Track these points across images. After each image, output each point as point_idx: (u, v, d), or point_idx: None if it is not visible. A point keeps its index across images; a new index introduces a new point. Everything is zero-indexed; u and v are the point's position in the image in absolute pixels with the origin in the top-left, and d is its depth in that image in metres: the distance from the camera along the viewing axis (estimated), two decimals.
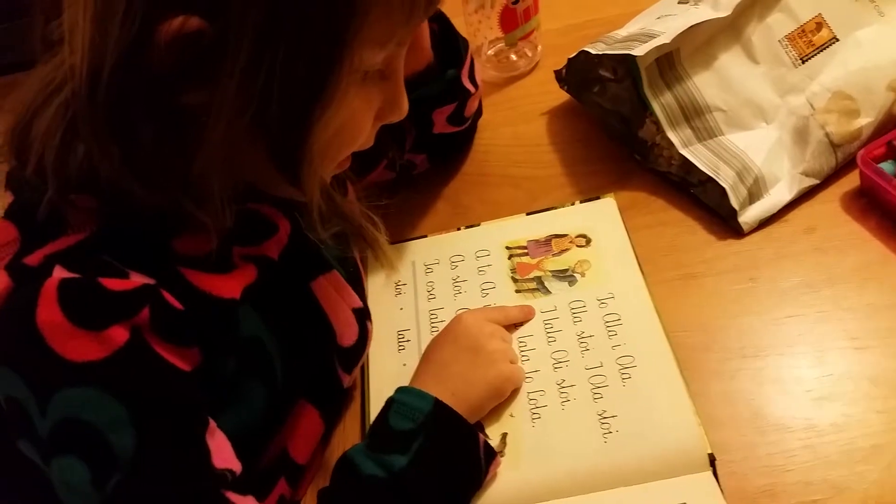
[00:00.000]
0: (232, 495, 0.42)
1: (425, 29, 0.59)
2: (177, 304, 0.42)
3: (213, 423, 0.43)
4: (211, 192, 0.42)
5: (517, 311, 0.60)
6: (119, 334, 0.39)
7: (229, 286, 0.46)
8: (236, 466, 0.43)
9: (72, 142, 0.41)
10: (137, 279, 0.41)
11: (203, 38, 0.37)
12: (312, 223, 0.47)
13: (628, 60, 0.67)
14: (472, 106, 0.70)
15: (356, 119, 0.45)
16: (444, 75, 0.65)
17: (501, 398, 0.54)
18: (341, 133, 0.44)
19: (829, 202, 0.64)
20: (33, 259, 0.41)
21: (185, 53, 0.38)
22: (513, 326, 0.60)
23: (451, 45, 0.66)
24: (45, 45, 0.42)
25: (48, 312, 0.39)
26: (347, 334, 0.55)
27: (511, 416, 0.55)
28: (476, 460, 0.50)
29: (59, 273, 0.40)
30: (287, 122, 0.40)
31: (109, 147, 0.40)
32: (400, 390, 0.52)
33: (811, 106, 0.66)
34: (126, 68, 0.38)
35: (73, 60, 0.39)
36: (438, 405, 0.50)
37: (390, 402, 0.52)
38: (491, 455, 0.51)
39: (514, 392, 0.56)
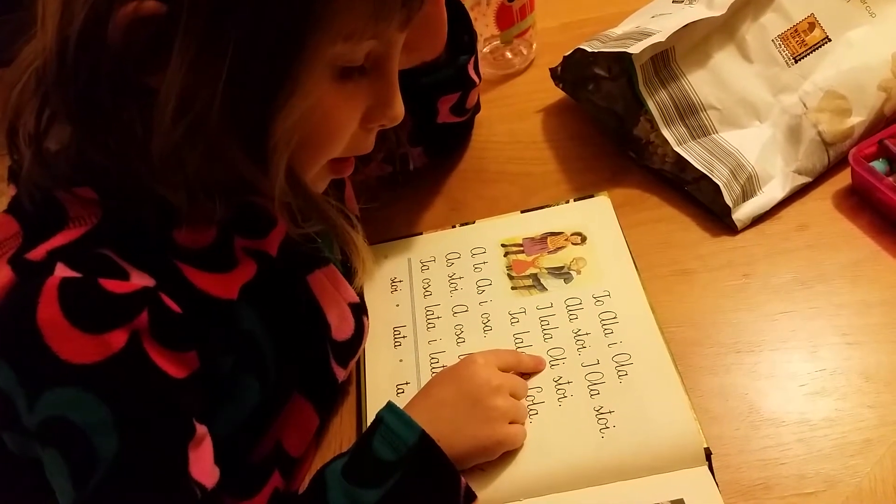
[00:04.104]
0: None
1: (443, 19, 0.58)
2: (175, 308, 0.42)
3: (200, 432, 0.43)
4: (184, 177, 0.41)
5: (530, 361, 0.57)
6: (117, 339, 0.40)
7: (227, 286, 0.46)
8: (210, 480, 0.43)
9: (48, 117, 0.42)
10: (137, 281, 0.41)
11: (158, 21, 0.38)
12: (286, 220, 0.46)
13: (623, 58, 0.67)
14: (473, 98, 0.70)
15: (332, 116, 0.44)
16: (457, 61, 0.65)
17: (489, 458, 0.51)
18: (313, 128, 0.43)
19: (822, 200, 0.65)
20: (36, 254, 0.41)
21: (142, 35, 0.39)
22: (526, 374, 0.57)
23: (462, 32, 0.65)
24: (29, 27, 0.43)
25: (49, 311, 0.39)
26: (343, 328, 0.55)
27: None
28: (454, 502, 0.48)
29: (61, 271, 0.40)
30: (246, 109, 0.40)
31: (80, 122, 0.41)
32: (390, 409, 0.50)
33: (804, 105, 0.66)
34: (88, 48, 0.39)
35: (45, 39, 0.40)
36: (425, 439, 0.48)
37: (378, 421, 0.49)
38: (471, 498, 0.49)
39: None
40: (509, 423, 0.52)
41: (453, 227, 0.70)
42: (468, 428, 0.51)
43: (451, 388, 0.53)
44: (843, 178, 0.66)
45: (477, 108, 0.74)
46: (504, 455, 0.52)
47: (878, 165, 0.63)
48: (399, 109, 0.48)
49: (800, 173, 0.66)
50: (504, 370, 0.55)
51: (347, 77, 0.44)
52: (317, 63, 0.41)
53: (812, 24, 0.68)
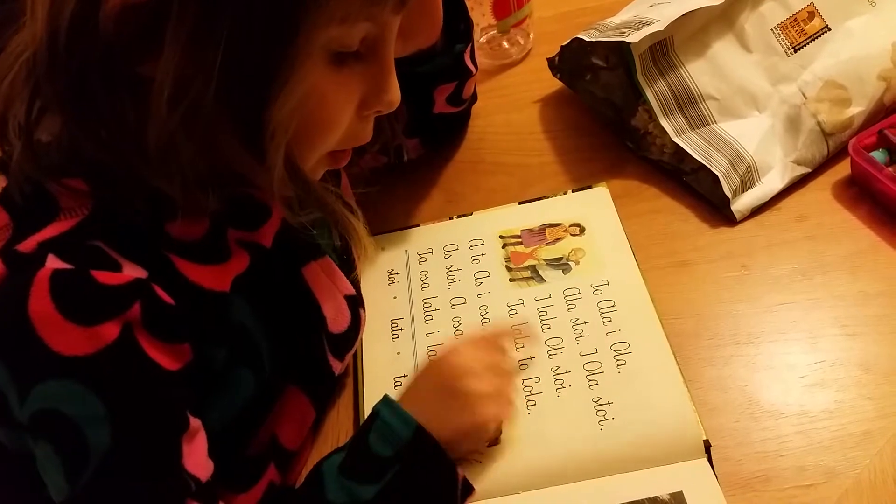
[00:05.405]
0: None
1: (438, 5, 0.58)
2: (168, 300, 0.42)
3: (194, 425, 0.43)
4: (179, 167, 0.41)
5: (512, 332, 0.57)
6: (109, 331, 0.39)
7: (220, 278, 0.46)
8: (204, 473, 0.43)
9: (38, 108, 0.42)
10: (129, 272, 0.41)
11: (149, 8, 0.38)
12: (283, 209, 0.45)
13: (621, 48, 0.66)
14: (469, 87, 0.70)
15: (328, 103, 0.44)
16: (453, 50, 0.64)
17: (477, 443, 0.51)
18: (309, 115, 0.42)
19: (821, 190, 0.65)
20: (26, 246, 0.41)
21: (133, 23, 0.38)
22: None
23: (458, 20, 0.64)
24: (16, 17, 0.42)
25: (40, 303, 0.38)
26: (339, 321, 0.55)
27: None
28: (451, 496, 0.48)
29: (52, 263, 0.40)
30: (242, 96, 0.40)
31: (72, 113, 0.41)
32: (386, 403, 0.49)
33: (803, 95, 0.66)
34: (78, 37, 0.39)
35: (35, 29, 0.40)
36: (420, 433, 0.47)
37: (374, 416, 0.49)
38: (468, 491, 0.49)
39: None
40: (493, 402, 0.51)
41: (451, 218, 0.69)
42: (450, 418, 0.50)
43: (431, 379, 0.52)
44: (843, 169, 0.65)
45: (473, 98, 0.74)
46: (501, 447, 0.52)
47: (878, 156, 0.63)
48: (395, 95, 0.47)
49: (799, 164, 0.65)
50: (487, 348, 0.54)
51: (343, 62, 0.43)
52: (312, 47, 0.40)
53: (811, 14, 0.68)
